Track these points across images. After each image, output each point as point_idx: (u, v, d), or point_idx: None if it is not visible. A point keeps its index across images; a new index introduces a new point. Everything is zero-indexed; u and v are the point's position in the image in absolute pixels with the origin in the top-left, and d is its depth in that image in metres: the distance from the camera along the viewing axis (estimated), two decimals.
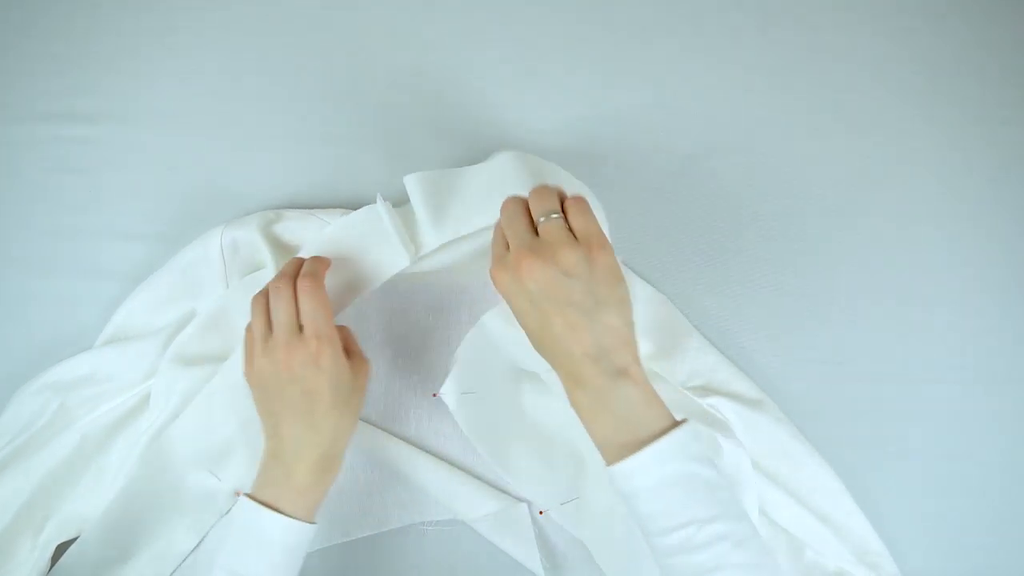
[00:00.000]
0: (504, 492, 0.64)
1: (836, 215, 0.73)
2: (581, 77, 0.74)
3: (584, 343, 0.47)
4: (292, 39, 0.73)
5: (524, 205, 0.51)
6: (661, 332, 0.68)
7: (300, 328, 0.52)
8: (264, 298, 0.55)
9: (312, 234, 0.64)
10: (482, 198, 0.59)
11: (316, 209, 0.68)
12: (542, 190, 0.50)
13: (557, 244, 0.47)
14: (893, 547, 0.66)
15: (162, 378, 0.63)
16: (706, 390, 0.67)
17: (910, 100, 0.75)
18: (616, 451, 0.47)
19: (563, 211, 0.50)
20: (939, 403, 0.70)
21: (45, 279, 0.68)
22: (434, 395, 0.65)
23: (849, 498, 0.66)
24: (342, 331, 0.56)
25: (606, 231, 0.52)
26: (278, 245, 0.66)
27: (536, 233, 0.49)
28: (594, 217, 0.49)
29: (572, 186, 0.61)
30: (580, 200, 0.50)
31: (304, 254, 0.60)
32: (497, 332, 0.60)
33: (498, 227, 0.52)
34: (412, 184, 0.59)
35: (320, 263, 0.57)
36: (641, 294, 0.68)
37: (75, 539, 0.61)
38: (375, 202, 0.59)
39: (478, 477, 0.65)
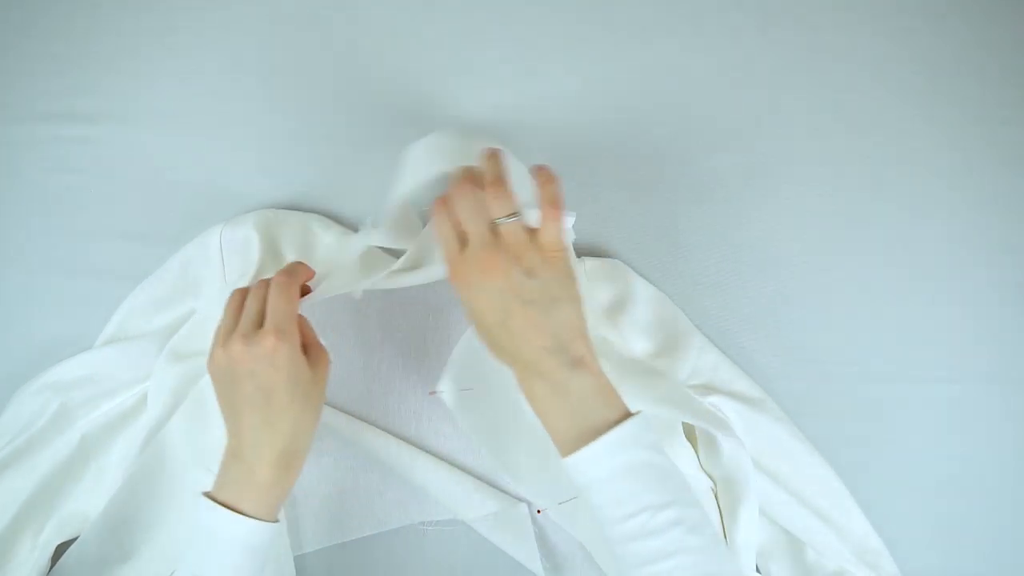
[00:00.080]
0: (504, 492, 0.64)
1: (836, 215, 0.73)
2: (581, 77, 0.74)
3: (543, 338, 0.49)
4: (292, 39, 0.73)
5: (479, 200, 0.50)
6: (663, 331, 0.68)
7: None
8: (242, 294, 0.55)
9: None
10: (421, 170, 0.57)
11: (315, 214, 0.68)
12: (499, 191, 0.50)
13: (519, 246, 0.50)
14: (893, 547, 0.66)
15: (156, 376, 0.63)
16: (707, 389, 0.67)
17: (910, 100, 0.75)
18: (572, 442, 0.48)
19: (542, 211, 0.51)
20: (939, 403, 0.70)
21: (45, 279, 0.68)
22: (431, 393, 0.65)
23: (849, 498, 0.66)
24: (300, 323, 0.55)
25: (562, 219, 0.52)
26: (273, 246, 0.66)
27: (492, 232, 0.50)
28: (560, 227, 0.51)
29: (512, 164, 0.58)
30: (555, 210, 0.51)
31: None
32: None
33: (443, 223, 0.51)
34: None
35: (302, 267, 0.57)
36: (643, 294, 0.68)
37: (75, 539, 0.61)
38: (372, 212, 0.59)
39: (478, 477, 0.65)
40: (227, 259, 0.65)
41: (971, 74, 0.76)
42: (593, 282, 0.67)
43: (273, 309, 0.52)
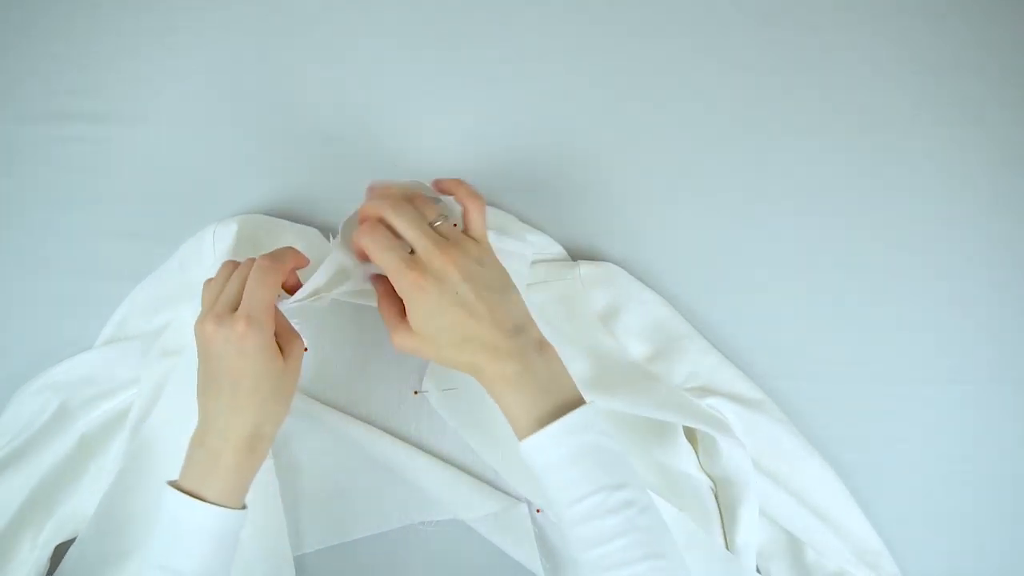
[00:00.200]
0: (504, 492, 0.64)
1: (836, 215, 0.73)
2: (581, 78, 0.74)
3: (505, 320, 0.52)
4: (292, 39, 0.73)
5: (414, 209, 0.53)
6: (659, 334, 0.68)
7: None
8: (229, 268, 0.54)
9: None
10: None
11: (308, 227, 0.68)
12: (421, 201, 0.54)
13: (462, 241, 0.53)
14: (893, 547, 0.66)
15: (143, 373, 0.63)
16: (705, 391, 0.67)
17: (910, 100, 0.75)
18: (535, 423, 0.50)
19: (464, 212, 0.55)
20: (939, 403, 0.70)
21: (45, 279, 0.68)
22: (415, 393, 0.65)
23: (849, 498, 0.66)
24: (275, 311, 0.54)
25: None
26: (256, 249, 0.66)
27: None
28: (484, 218, 0.55)
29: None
30: (479, 200, 0.55)
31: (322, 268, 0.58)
32: None
33: (381, 237, 0.52)
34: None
35: (292, 252, 0.55)
36: (639, 297, 0.68)
37: (75, 539, 0.61)
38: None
39: (478, 477, 0.65)
40: (219, 258, 0.65)
41: (971, 74, 0.76)
42: (589, 287, 0.67)
43: (249, 294, 0.51)
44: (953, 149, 0.75)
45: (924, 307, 0.72)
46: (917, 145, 0.75)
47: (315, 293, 0.57)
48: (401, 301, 0.54)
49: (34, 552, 0.61)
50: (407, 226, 0.52)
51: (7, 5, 0.73)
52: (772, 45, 0.75)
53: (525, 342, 0.52)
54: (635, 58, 0.74)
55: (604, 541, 0.47)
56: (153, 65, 0.72)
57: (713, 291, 0.71)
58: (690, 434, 0.67)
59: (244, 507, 0.53)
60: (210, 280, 0.55)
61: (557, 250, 0.69)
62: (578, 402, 0.51)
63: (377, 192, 0.55)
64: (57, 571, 0.61)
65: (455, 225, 0.55)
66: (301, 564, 0.64)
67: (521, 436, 0.51)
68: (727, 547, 0.64)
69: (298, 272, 0.58)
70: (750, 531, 0.63)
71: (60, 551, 0.62)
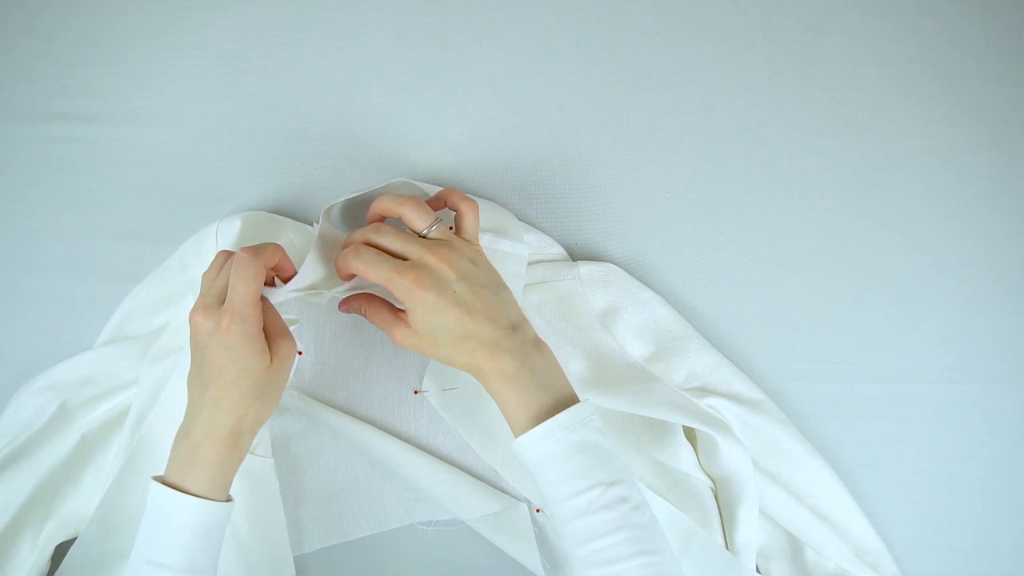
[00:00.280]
0: (504, 492, 0.64)
1: (835, 215, 0.73)
2: (581, 78, 0.74)
3: (502, 317, 0.53)
4: (292, 39, 0.73)
5: (398, 229, 0.54)
6: (659, 334, 0.68)
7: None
8: (225, 257, 0.54)
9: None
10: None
11: (309, 226, 0.68)
12: (417, 204, 0.54)
13: (454, 242, 0.54)
14: (892, 547, 0.66)
15: (142, 373, 0.63)
16: (704, 391, 0.67)
17: (910, 100, 0.75)
18: (533, 419, 0.50)
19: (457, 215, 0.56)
20: (938, 403, 0.70)
21: (45, 279, 0.68)
22: (416, 392, 0.65)
23: (849, 498, 0.66)
24: (267, 310, 0.54)
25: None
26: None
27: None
28: (476, 220, 0.57)
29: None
30: (471, 202, 0.56)
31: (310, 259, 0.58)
32: None
33: (370, 253, 0.53)
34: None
35: (273, 248, 0.54)
36: (639, 297, 0.68)
37: (75, 539, 0.61)
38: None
39: (478, 477, 0.65)
40: None
41: (971, 74, 0.76)
42: (589, 287, 0.67)
43: (231, 287, 0.50)
44: (953, 149, 0.75)
45: (924, 307, 0.72)
46: (917, 144, 0.75)
47: (312, 287, 0.57)
48: (389, 304, 0.55)
49: (34, 552, 0.61)
50: (393, 240, 0.53)
51: (7, 5, 0.73)
52: (772, 45, 0.75)
53: (522, 339, 0.53)
54: (636, 58, 0.74)
55: (598, 537, 0.47)
56: (152, 65, 0.72)
57: (713, 291, 0.71)
58: (690, 434, 0.67)
59: (229, 500, 0.53)
60: (207, 271, 0.55)
61: (557, 250, 0.69)
62: (574, 399, 0.52)
63: (377, 215, 0.57)
64: (57, 571, 0.61)
65: (450, 228, 0.56)
66: (301, 564, 0.64)
67: (517, 432, 0.51)
68: (727, 547, 0.64)
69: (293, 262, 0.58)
70: (750, 531, 0.63)
71: (60, 551, 0.62)
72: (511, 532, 0.64)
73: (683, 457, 0.65)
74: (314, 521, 0.64)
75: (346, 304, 0.59)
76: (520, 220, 0.69)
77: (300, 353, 0.57)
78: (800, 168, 0.74)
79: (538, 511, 0.64)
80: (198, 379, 0.52)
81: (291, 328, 0.56)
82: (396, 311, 0.55)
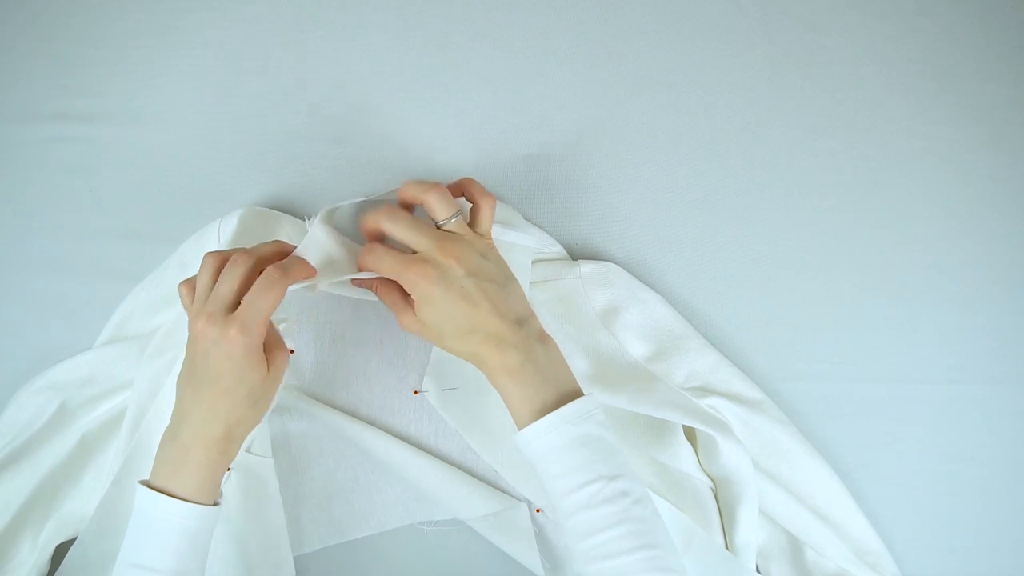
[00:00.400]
0: (504, 492, 0.64)
1: (835, 215, 0.73)
2: (582, 78, 0.74)
3: (509, 311, 0.53)
4: (292, 39, 0.73)
5: (413, 218, 0.55)
6: (659, 333, 0.68)
7: (234, 307, 0.50)
8: (219, 260, 0.52)
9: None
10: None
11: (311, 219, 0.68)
12: (441, 193, 0.55)
13: (467, 235, 0.55)
14: (892, 547, 0.66)
15: (139, 372, 0.63)
16: (704, 391, 0.67)
17: (910, 100, 0.75)
18: (537, 412, 0.51)
19: (474, 209, 0.57)
20: (938, 403, 0.70)
21: (45, 279, 0.68)
22: (416, 392, 0.65)
23: (849, 498, 0.66)
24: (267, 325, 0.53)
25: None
26: (261, 239, 0.66)
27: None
28: (492, 214, 0.57)
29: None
30: (490, 197, 0.57)
31: (300, 252, 0.57)
32: None
33: (377, 255, 0.54)
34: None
35: (303, 266, 0.54)
36: (640, 297, 0.68)
37: (75, 539, 0.61)
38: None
39: (478, 477, 0.65)
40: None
41: (971, 74, 0.76)
42: (589, 286, 0.67)
43: (251, 303, 0.49)
44: (953, 149, 0.75)
45: (924, 307, 0.72)
46: (917, 144, 0.75)
47: (310, 284, 0.57)
48: (400, 287, 0.55)
49: (34, 552, 0.61)
50: (404, 231, 0.54)
51: (7, 5, 0.73)
52: (772, 45, 0.75)
53: (528, 333, 0.53)
54: (636, 58, 0.74)
55: (599, 531, 0.48)
56: (152, 65, 0.72)
57: (713, 291, 0.71)
58: (690, 434, 0.67)
59: (216, 504, 0.53)
60: (199, 275, 0.53)
61: (557, 249, 0.70)
62: (578, 393, 0.52)
63: (395, 201, 0.57)
64: (57, 571, 0.61)
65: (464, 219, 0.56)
66: (301, 564, 0.64)
67: (521, 425, 0.51)
68: (727, 547, 0.64)
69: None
70: (750, 531, 0.63)
71: (60, 551, 0.62)
72: (511, 532, 0.64)
73: (683, 457, 0.65)
74: (314, 521, 0.64)
75: (359, 280, 0.59)
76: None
77: (291, 351, 0.57)
78: (800, 168, 0.74)
79: (538, 511, 0.64)
80: (191, 382, 0.52)
81: (282, 327, 0.56)
82: (406, 295, 0.55)
